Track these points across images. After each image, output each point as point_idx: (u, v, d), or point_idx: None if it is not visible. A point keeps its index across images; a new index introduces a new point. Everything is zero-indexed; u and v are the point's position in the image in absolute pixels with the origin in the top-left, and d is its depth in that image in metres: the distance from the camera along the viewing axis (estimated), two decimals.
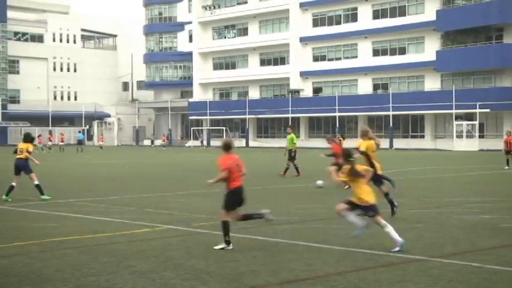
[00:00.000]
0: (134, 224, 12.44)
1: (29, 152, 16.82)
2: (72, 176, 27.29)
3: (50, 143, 65.15)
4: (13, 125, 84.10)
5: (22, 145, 16.93)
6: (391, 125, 67.26)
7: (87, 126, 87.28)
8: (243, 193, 9.96)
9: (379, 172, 13.24)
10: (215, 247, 9.72)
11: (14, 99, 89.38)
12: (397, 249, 9.30)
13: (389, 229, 9.46)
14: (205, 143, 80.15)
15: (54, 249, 9.89)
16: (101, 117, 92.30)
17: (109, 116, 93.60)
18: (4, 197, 16.57)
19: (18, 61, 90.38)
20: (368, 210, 9.52)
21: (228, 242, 9.73)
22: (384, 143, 55.79)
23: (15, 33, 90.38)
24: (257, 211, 10.53)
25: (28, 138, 17.12)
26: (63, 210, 14.75)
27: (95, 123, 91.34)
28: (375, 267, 8.44)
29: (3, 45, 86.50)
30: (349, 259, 8.97)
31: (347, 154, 9.91)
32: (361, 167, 9.99)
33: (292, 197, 17.60)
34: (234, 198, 9.89)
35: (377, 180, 12.92)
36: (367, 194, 9.58)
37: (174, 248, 9.91)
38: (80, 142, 62.76)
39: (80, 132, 71.64)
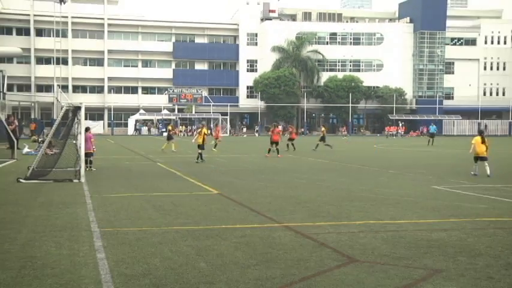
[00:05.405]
0: None
1: None
2: None
3: None
4: (447, 118, 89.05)
5: None
6: None
7: None
8: None
9: None
10: None
11: (449, 96, 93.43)
12: None
13: None
14: None
15: (485, 228, 9.94)
16: None
17: None
18: None
19: (453, 63, 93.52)
20: None
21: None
22: None
23: (452, 39, 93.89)
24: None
25: None
26: (492, 194, 14.57)
27: None
28: None
29: (442, 50, 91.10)
30: None
31: None
32: None
33: None
34: None
35: None
36: None
37: None
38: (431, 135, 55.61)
39: (432, 124, 62.77)
